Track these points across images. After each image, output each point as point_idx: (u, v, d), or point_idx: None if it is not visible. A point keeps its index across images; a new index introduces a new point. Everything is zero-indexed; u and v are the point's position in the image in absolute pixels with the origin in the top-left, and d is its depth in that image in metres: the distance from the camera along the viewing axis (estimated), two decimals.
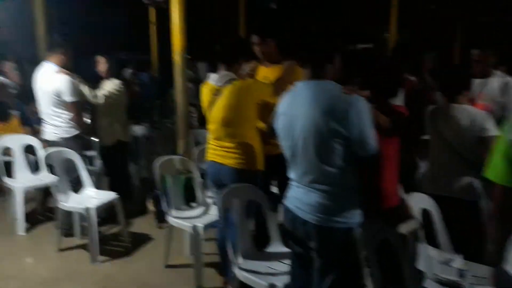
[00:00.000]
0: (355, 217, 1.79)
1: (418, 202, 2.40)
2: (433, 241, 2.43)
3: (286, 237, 2.59)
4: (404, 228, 2.05)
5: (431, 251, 2.29)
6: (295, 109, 1.81)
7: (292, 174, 1.92)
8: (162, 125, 7.34)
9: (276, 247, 2.58)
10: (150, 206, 4.28)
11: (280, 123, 1.91)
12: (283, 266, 2.39)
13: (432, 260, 2.22)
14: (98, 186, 3.93)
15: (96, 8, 10.79)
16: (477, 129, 2.53)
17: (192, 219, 3.14)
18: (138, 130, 5.09)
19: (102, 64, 4.05)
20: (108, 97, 3.92)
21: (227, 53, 2.66)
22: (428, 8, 9.40)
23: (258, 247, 2.57)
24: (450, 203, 2.56)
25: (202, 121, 6.44)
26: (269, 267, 2.41)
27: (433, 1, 9.22)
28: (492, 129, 2.54)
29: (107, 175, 4.43)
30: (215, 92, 2.63)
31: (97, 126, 4.12)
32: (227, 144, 2.64)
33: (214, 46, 2.78)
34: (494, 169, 1.37)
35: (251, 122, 2.64)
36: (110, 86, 3.99)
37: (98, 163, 4.63)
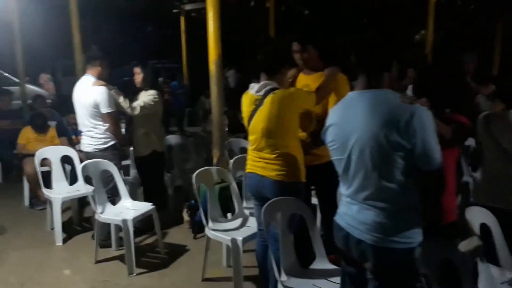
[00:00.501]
0: (415, 236, 1.65)
1: (476, 216, 2.23)
2: (492, 258, 2.25)
3: (339, 256, 2.48)
4: (465, 245, 1.89)
5: (492, 269, 2.11)
6: (349, 120, 1.69)
7: (344, 190, 1.80)
8: (193, 133, 7.37)
9: (321, 263, 2.45)
10: (185, 216, 4.23)
11: (331, 135, 1.79)
12: (330, 284, 2.27)
13: (493, 279, 2.03)
14: (133, 196, 3.92)
15: (127, 17, 11.02)
16: None
17: (230, 231, 3.06)
18: (172, 139, 5.08)
19: (138, 75, 4.05)
20: (144, 108, 3.90)
21: (269, 62, 2.56)
22: (467, 8, 9.06)
23: (302, 263, 2.45)
24: (507, 215, 2.37)
25: (233, 130, 6.40)
26: (314, 285, 2.29)
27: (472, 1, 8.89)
28: None
29: (143, 185, 4.42)
30: (256, 102, 2.54)
31: (133, 136, 4.11)
32: (268, 155, 2.55)
33: (253, 54, 2.70)
34: None
35: (294, 132, 2.54)
36: (146, 96, 3.97)
37: (133, 173, 4.64)
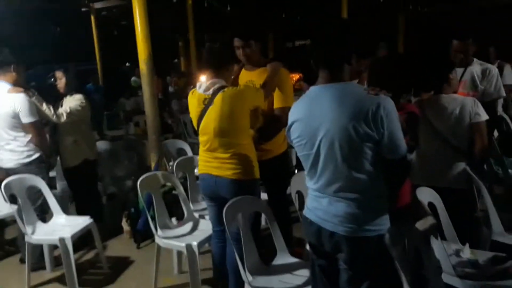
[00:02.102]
0: (385, 223, 1.71)
1: (424, 196, 2.39)
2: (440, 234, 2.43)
3: (300, 248, 2.49)
4: (421, 225, 2.00)
5: (444, 244, 2.28)
6: (315, 115, 1.68)
7: (311, 184, 1.80)
8: (115, 137, 6.97)
9: (283, 258, 2.46)
10: (125, 226, 3.99)
11: (296, 131, 1.78)
12: (296, 278, 2.28)
13: (445, 253, 2.20)
14: (65, 211, 3.58)
15: (33, 20, 10.07)
16: (468, 116, 2.57)
17: (183, 237, 2.93)
18: (99, 145, 4.73)
19: (60, 80, 3.70)
20: (71, 114, 3.57)
21: (216, 60, 2.50)
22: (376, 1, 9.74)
23: (264, 261, 2.43)
24: (444, 193, 2.57)
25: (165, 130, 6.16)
26: (281, 281, 2.28)
27: None
28: (483, 115, 2.59)
29: (74, 198, 4.07)
30: (205, 102, 2.46)
31: (60, 146, 3.76)
32: (222, 155, 2.48)
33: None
34: None
35: (246, 130, 2.51)
36: (72, 102, 3.64)
37: (60, 185, 4.25)
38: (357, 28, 1.76)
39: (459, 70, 3.06)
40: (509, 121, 4.74)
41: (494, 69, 3.20)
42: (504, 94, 3.29)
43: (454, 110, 2.62)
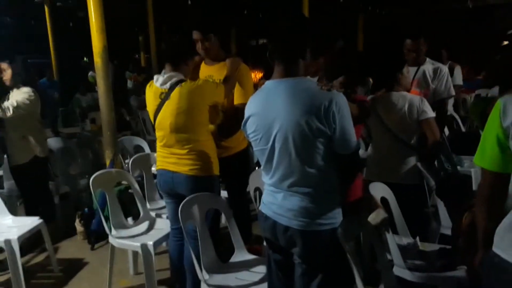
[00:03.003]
0: (337, 216, 1.73)
1: (377, 191, 2.44)
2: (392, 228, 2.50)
3: (257, 245, 2.48)
4: (373, 219, 2.05)
5: (395, 238, 2.34)
6: (270, 109, 1.67)
7: (267, 179, 1.80)
8: (70, 134, 6.70)
9: (241, 255, 2.44)
10: (78, 227, 3.83)
11: (252, 125, 1.76)
12: (253, 275, 2.27)
13: (396, 246, 2.26)
14: (12, 211, 3.39)
15: None
16: (416, 113, 2.66)
17: (138, 236, 2.85)
18: (51, 142, 4.51)
19: (5, 71, 3.49)
20: (18, 108, 3.38)
21: (174, 53, 2.43)
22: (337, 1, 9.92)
23: (221, 258, 2.40)
24: (396, 189, 2.64)
25: (119, 128, 6.01)
26: (237, 278, 2.26)
27: None
28: (429, 112, 2.69)
29: (22, 197, 3.87)
30: (162, 96, 2.39)
31: (6, 142, 3.55)
32: (179, 150, 2.43)
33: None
34: (484, 156, 1.39)
35: (204, 125, 2.46)
36: (19, 95, 3.44)
37: (8, 184, 4.03)
38: (314, 24, 1.77)
39: (412, 69, 3.16)
40: (459, 120, 4.96)
41: (445, 68, 3.32)
42: (454, 93, 3.43)
43: (402, 107, 2.70)
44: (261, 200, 1.88)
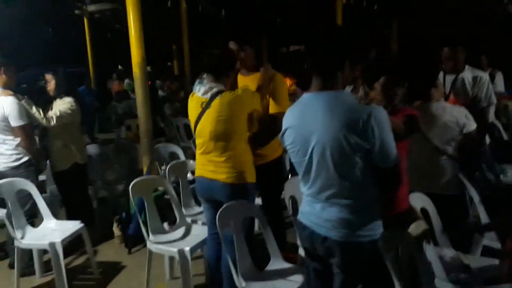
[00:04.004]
0: (378, 228, 1.70)
1: (417, 201, 2.39)
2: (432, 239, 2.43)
3: (294, 254, 2.47)
4: (413, 230, 2.00)
5: (436, 250, 2.28)
6: (308, 122, 1.68)
7: (305, 189, 1.80)
8: (106, 140, 6.92)
9: (277, 263, 2.44)
10: (116, 231, 3.94)
11: (289, 137, 1.77)
12: (290, 283, 2.26)
13: (438, 259, 2.20)
14: (54, 215, 3.53)
15: (24, 22, 9.98)
16: (458, 125, 2.59)
17: (175, 242, 2.90)
18: (90, 148, 4.68)
19: (50, 82, 3.66)
20: (61, 118, 3.53)
21: (217, 65, 2.50)
22: (371, 8, 9.81)
23: (258, 266, 2.41)
24: (436, 199, 2.58)
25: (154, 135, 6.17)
26: (274, 286, 2.26)
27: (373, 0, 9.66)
28: (472, 123, 2.61)
29: (64, 202, 4.02)
30: (203, 105, 2.46)
31: (49, 149, 3.71)
32: (217, 158, 2.48)
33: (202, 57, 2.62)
34: None
35: (242, 134, 2.50)
36: (62, 105, 3.60)
37: (50, 189, 4.20)
38: (350, 35, 1.76)
39: (451, 77, 3.08)
40: (500, 128, 4.78)
41: (485, 76, 3.22)
42: (495, 101, 3.32)
43: (444, 119, 2.64)
44: (299, 209, 1.88)
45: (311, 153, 1.68)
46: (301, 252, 2.48)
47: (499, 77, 4.94)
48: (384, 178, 1.68)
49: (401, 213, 2.03)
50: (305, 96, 1.75)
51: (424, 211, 2.40)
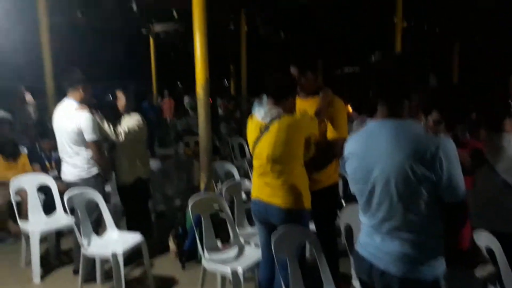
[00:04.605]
0: (439, 265, 1.65)
1: (482, 240, 2.28)
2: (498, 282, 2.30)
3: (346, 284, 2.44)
4: (480, 271, 1.91)
5: None
6: (372, 150, 1.68)
7: (365, 219, 1.79)
8: (164, 155, 7.20)
9: None
10: (172, 245, 4.08)
11: (352, 164, 1.78)
12: None
13: None
14: (117, 225, 3.74)
15: (95, 38, 10.78)
16: None
17: (228, 262, 2.96)
18: (153, 163, 4.93)
19: (120, 99, 3.92)
20: (128, 134, 3.76)
21: (278, 88, 2.56)
22: (433, 31, 9.55)
23: None
24: (503, 238, 2.44)
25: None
26: None
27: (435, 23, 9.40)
28: None
29: (125, 214, 4.23)
30: (262, 129, 2.53)
31: (116, 163, 3.95)
32: (273, 181, 2.53)
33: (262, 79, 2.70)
34: None
35: (299, 158, 2.53)
36: (130, 121, 3.84)
37: (113, 200, 4.45)
38: (413, 60, 1.75)
39: None
40: None
41: None
42: None
43: None
44: (358, 240, 1.86)
45: (374, 182, 1.67)
46: (356, 284, 2.44)
47: None
48: (451, 213, 1.64)
49: (464, 251, 1.95)
50: (370, 124, 1.75)
51: (489, 251, 2.28)
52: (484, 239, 2.29)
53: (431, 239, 1.65)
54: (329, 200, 2.99)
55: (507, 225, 2.52)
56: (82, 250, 3.26)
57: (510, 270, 2.32)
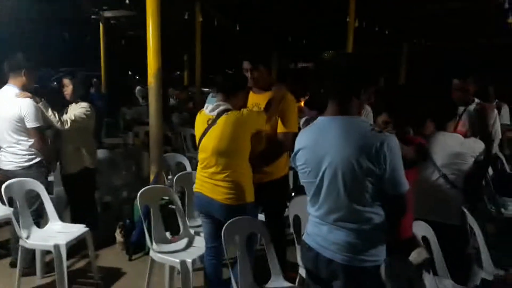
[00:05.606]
0: (381, 254, 1.75)
1: (418, 229, 2.43)
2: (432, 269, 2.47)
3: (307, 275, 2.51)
4: (414, 258, 2.04)
5: (435, 279, 2.31)
6: (322, 145, 1.74)
7: (313, 211, 1.85)
8: (112, 145, 6.99)
9: (277, 282, 2.47)
10: (118, 237, 3.98)
11: (302, 158, 1.83)
12: None
13: None
14: (60, 217, 3.59)
15: (41, 22, 10.20)
16: (470, 156, 2.64)
17: (177, 252, 2.95)
18: (100, 153, 4.75)
19: (67, 87, 3.75)
20: (75, 122, 3.61)
21: (228, 85, 2.61)
22: (383, 33, 9.94)
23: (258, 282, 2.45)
24: (437, 227, 2.62)
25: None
26: None
27: (385, 24, 9.79)
28: (483, 155, 2.67)
29: (70, 204, 4.07)
30: (209, 122, 2.56)
31: (61, 152, 3.78)
32: (216, 175, 2.56)
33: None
34: None
35: (245, 153, 2.58)
36: (77, 109, 3.69)
37: (57, 191, 4.26)
38: (365, 61, 1.82)
39: (459, 109, 3.14)
40: (504, 160, 4.82)
41: (493, 111, 3.29)
42: (500, 135, 3.38)
43: (455, 148, 2.69)
44: (305, 230, 1.92)
45: (323, 175, 1.74)
46: (302, 272, 2.52)
47: (505, 110, 5.02)
48: (392, 205, 1.74)
49: (404, 240, 2.07)
50: (320, 119, 1.82)
51: (425, 239, 2.44)
52: (421, 229, 2.45)
53: (374, 230, 1.74)
54: (279, 192, 3.06)
55: (441, 215, 2.70)
56: (21, 242, 3.10)
57: (442, 257, 2.51)
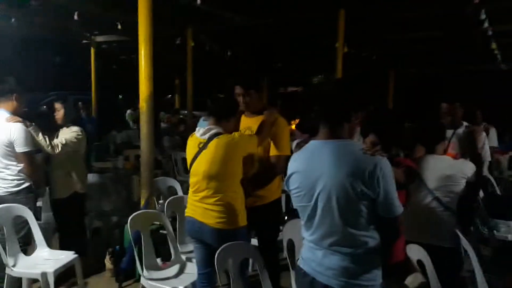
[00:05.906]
0: (377, 278, 1.74)
1: (413, 253, 2.42)
2: None
3: None
4: (410, 282, 2.03)
5: None
6: (315, 168, 1.75)
7: (307, 235, 1.84)
8: (102, 169, 6.91)
9: None
10: (108, 264, 3.89)
11: (295, 182, 1.83)
12: None
13: None
14: (48, 243, 3.50)
15: (30, 48, 10.22)
16: (460, 178, 2.66)
17: (169, 280, 2.89)
18: (90, 177, 4.69)
19: (59, 111, 3.74)
20: (66, 146, 3.58)
21: (219, 109, 2.63)
22: (370, 58, 10.14)
23: None
24: (431, 250, 2.61)
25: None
26: None
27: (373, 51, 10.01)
28: (473, 177, 2.69)
29: (58, 230, 3.98)
30: (200, 145, 2.56)
31: (50, 176, 3.73)
32: (208, 199, 2.54)
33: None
34: None
35: (236, 177, 2.58)
36: (68, 133, 3.66)
37: (45, 216, 4.18)
38: (354, 86, 1.86)
39: (449, 132, 3.20)
40: (494, 182, 4.88)
41: (482, 134, 3.35)
42: (489, 158, 3.43)
43: (446, 171, 2.72)
44: (300, 255, 1.90)
45: (317, 199, 1.73)
46: None
47: (493, 132, 5.12)
48: (386, 228, 1.73)
49: (398, 264, 2.06)
50: (313, 143, 1.83)
51: (420, 263, 2.43)
52: (416, 252, 2.43)
53: (369, 254, 1.73)
54: (272, 215, 3.03)
55: (434, 237, 2.70)
56: (7, 270, 3.01)
57: (438, 280, 2.49)
